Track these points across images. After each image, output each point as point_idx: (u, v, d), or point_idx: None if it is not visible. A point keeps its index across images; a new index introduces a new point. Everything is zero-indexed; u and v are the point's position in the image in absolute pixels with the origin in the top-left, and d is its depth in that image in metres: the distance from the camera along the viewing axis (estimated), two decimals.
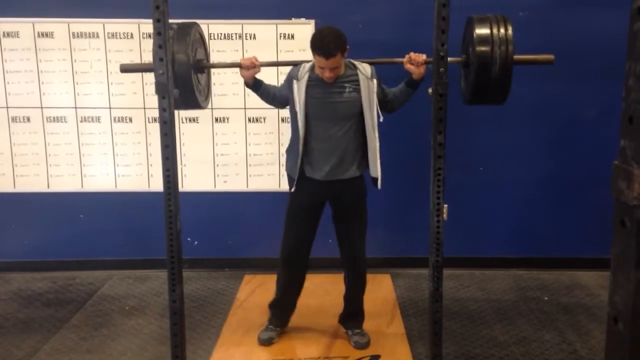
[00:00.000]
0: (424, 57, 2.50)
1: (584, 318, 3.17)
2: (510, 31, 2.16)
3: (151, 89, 3.44)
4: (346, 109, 2.60)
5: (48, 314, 3.26)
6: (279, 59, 3.61)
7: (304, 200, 2.74)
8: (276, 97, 2.75)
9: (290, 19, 3.61)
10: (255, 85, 2.70)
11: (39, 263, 3.89)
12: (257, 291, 3.54)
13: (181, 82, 2.33)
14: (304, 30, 3.61)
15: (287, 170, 2.80)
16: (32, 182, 3.79)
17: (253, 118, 3.74)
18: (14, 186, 3.79)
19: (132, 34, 3.65)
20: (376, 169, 2.65)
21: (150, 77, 3.47)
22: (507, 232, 3.89)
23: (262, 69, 2.64)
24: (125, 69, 2.54)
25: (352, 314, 2.94)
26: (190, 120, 3.75)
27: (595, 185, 3.56)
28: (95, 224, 3.87)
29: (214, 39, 3.65)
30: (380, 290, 3.52)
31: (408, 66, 2.53)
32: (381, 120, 2.64)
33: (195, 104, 2.50)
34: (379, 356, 2.77)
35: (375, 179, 2.67)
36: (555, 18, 3.62)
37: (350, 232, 2.79)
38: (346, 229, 2.79)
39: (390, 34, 3.60)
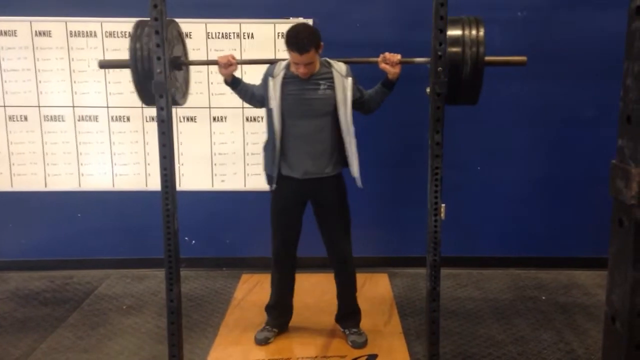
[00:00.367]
0: (398, 56, 2.50)
1: (581, 317, 3.18)
2: (482, 32, 2.17)
3: None
4: (321, 105, 2.61)
5: (45, 313, 3.26)
6: (277, 58, 3.60)
7: (285, 200, 2.75)
8: (254, 96, 2.75)
9: (288, 18, 3.60)
10: (233, 83, 2.71)
11: (36, 262, 3.88)
12: (254, 290, 3.53)
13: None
14: None
15: (264, 168, 2.78)
16: (29, 181, 3.78)
17: (251, 117, 3.74)
18: (12, 185, 3.78)
19: (129, 33, 3.62)
20: (354, 168, 2.66)
21: None
22: (505, 231, 3.89)
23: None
24: (103, 64, 2.57)
25: (348, 314, 2.94)
26: (187, 119, 3.74)
27: (593, 185, 3.57)
28: (92, 223, 3.86)
29: (212, 38, 3.64)
30: (377, 289, 3.52)
31: (383, 66, 2.53)
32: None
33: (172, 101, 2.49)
34: (376, 355, 2.77)
35: (355, 178, 2.68)
36: (554, 18, 3.62)
37: (334, 231, 2.79)
38: (329, 228, 2.79)
39: (388, 33, 3.60)
